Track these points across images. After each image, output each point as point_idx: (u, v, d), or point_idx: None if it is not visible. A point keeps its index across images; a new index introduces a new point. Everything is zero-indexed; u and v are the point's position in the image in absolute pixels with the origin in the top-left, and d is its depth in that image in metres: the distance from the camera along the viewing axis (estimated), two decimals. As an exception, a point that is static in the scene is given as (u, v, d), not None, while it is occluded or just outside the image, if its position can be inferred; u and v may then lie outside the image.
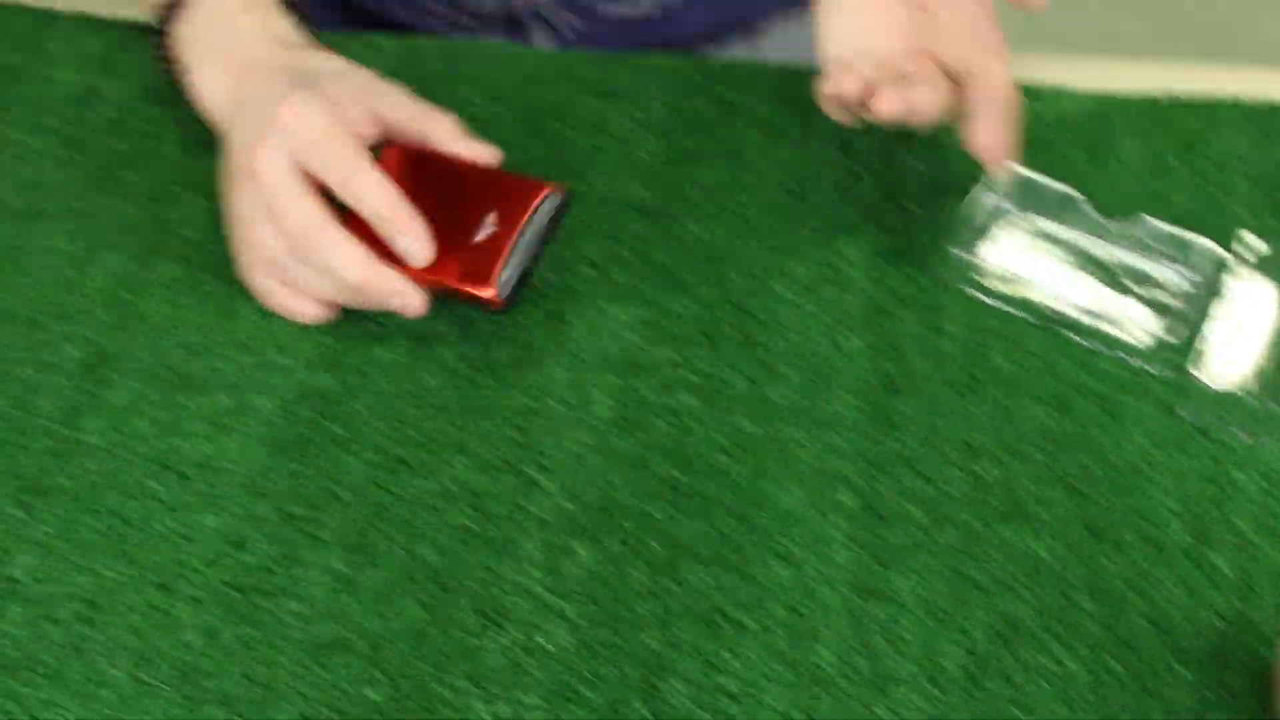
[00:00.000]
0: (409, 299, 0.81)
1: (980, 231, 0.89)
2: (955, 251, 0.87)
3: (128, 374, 0.82)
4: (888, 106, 0.82)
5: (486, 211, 0.82)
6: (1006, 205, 0.90)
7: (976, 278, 0.87)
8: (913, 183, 0.93)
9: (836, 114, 0.87)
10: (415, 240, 0.80)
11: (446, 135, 0.84)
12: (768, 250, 0.89)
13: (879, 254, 0.89)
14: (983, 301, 0.87)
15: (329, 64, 0.86)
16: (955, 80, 0.85)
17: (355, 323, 0.85)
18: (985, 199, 0.89)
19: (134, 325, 0.84)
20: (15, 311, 0.84)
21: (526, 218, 0.82)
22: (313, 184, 0.80)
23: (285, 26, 0.89)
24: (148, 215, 0.89)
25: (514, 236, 0.82)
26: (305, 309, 0.83)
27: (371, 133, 0.83)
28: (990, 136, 0.84)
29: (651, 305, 0.86)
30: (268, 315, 0.84)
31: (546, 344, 0.84)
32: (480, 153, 0.84)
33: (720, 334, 0.85)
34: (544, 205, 0.83)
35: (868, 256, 0.89)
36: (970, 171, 0.93)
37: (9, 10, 1.00)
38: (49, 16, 1.00)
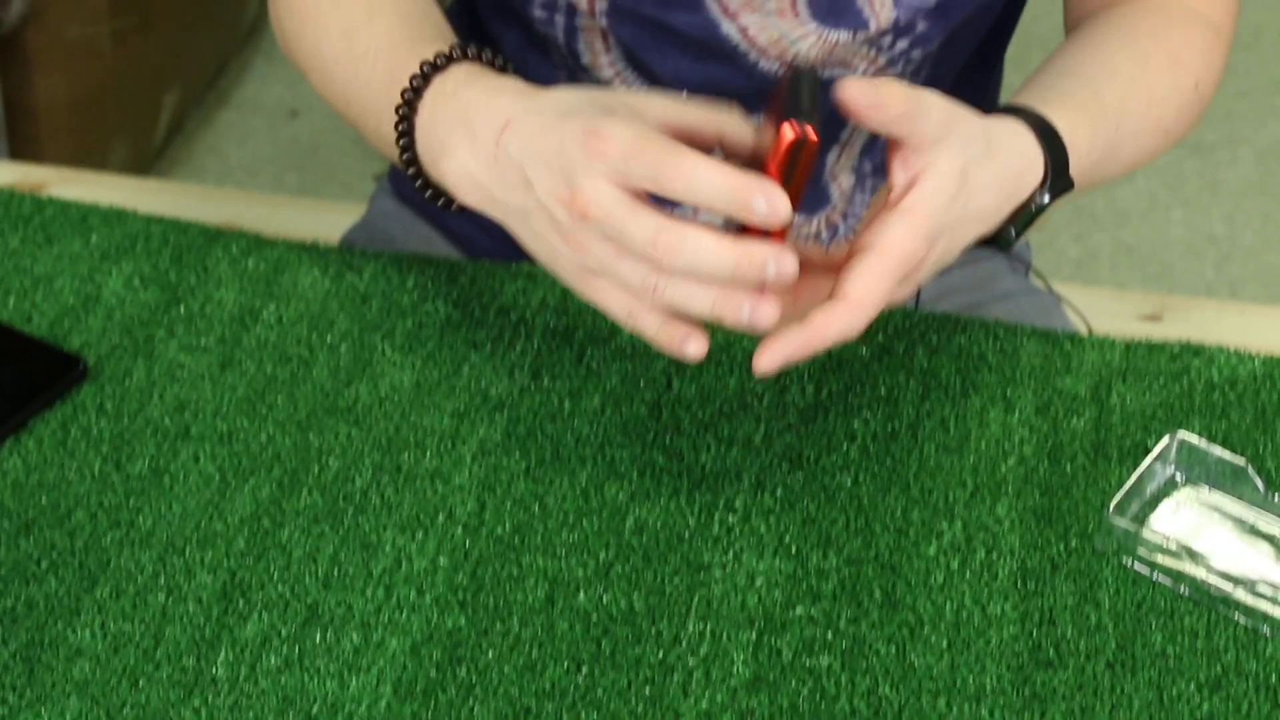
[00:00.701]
0: (784, 262, 0.75)
1: (1143, 500, 0.86)
2: (1115, 520, 0.84)
3: (261, 605, 0.81)
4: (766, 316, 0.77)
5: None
6: (1173, 474, 0.87)
7: (1136, 548, 0.84)
8: (1074, 444, 0.90)
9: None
10: (770, 194, 0.74)
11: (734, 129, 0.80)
12: (918, 506, 0.87)
13: (1035, 516, 0.86)
14: (1141, 573, 0.84)
15: (580, 92, 0.82)
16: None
17: (491, 563, 0.83)
18: (1151, 467, 0.86)
19: (271, 555, 0.83)
20: (157, 536, 0.84)
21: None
22: (643, 198, 0.77)
23: (508, 81, 0.86)
24: (292, 441, 0.89)
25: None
26: (686, 344, 0.78)
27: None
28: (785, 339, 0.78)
29: (795, 559, 0.84)
30: (404, 550, 0.84)
31: (685, 594, 0.82)
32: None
33: (864, 592, 0.83)
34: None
35: (1023, 519, 0.86)
36: (1134, 436, 0.90)
37: (179, 226, 1.02)
38: (216, 234, 1.02)
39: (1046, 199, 0.87)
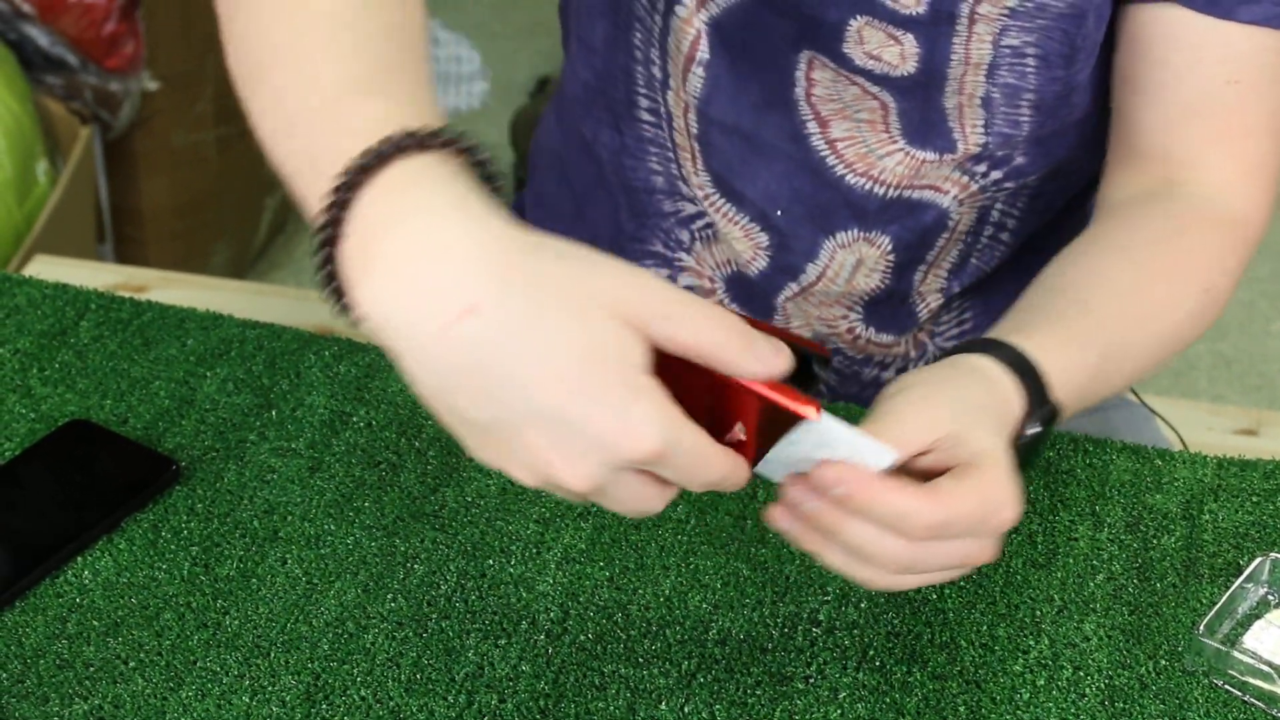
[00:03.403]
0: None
1: (1235, 620, 0.85)
2: (1205, 640, 0.82)
3: (344, 709, 0.81)
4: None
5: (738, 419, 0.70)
6: (1265, 595, 0.86)
7: (1227, 669, 0.82)
8: (1164, 562, 0.89)
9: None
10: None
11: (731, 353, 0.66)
12: (1004, 622, 0.86)
13: (1123, 634, 0.85)
14: (1231, 693, 0.82)
15: (577, 273, 0.65)
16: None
17: (574, 670, 0.83)
18: (1243, 587, 0.85)
19: (355, 658, 0.84)
20: (242, 637, 0.85)
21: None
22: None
23: (480, 206, 0.66)
24: (379, 545, 0.89)
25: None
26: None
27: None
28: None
29: (879, 673, 0.83)
30: (487, 656, 0.84)
31: (767, 706, 0.82)
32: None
33: (949, 708, 0.82)
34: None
35: (1111, 637, 0.85)
36: (1226, 555, 0.89)
37: (273, 331, 1.04)
38: (309, 339, 1.03)
39: (1039, 428, 0.82)
